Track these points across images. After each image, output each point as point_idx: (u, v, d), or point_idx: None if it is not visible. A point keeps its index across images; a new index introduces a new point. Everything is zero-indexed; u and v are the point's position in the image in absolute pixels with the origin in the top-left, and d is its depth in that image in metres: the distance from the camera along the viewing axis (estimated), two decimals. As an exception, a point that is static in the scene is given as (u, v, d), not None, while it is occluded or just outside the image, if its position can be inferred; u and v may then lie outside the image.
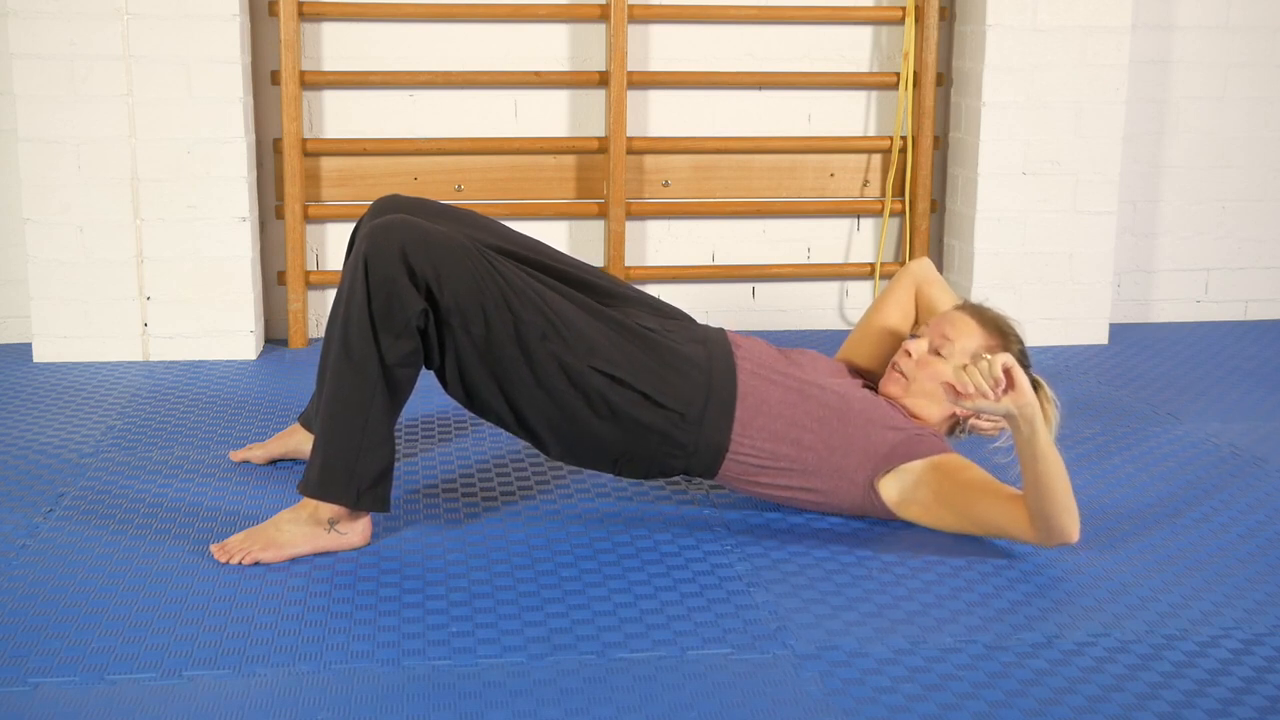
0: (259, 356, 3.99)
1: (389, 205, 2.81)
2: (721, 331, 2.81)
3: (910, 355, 2.81)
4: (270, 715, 2.00)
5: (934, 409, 2.80)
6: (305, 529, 2.54)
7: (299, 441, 3.01)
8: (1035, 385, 2.77)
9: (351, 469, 2.52)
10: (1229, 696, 2.09)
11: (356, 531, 2.58)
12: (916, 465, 2.64)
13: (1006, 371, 2.39)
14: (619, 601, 2.39)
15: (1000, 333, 2.81)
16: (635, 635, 2.26)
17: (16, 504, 2.80)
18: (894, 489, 2.65)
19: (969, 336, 2.79)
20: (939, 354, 2.79)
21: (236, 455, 3.07)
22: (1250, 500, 2.93)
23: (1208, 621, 2.34)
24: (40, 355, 3.88)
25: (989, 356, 2.42)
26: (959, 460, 2.65)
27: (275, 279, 4.17)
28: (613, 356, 2.60)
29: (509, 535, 2.68)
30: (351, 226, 4.11)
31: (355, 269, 2.49)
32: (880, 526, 2.73)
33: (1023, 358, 2.81)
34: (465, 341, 2.54)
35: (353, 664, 2.16)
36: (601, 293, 2.77)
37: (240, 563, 2.50)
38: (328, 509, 2.55)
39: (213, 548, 2.55)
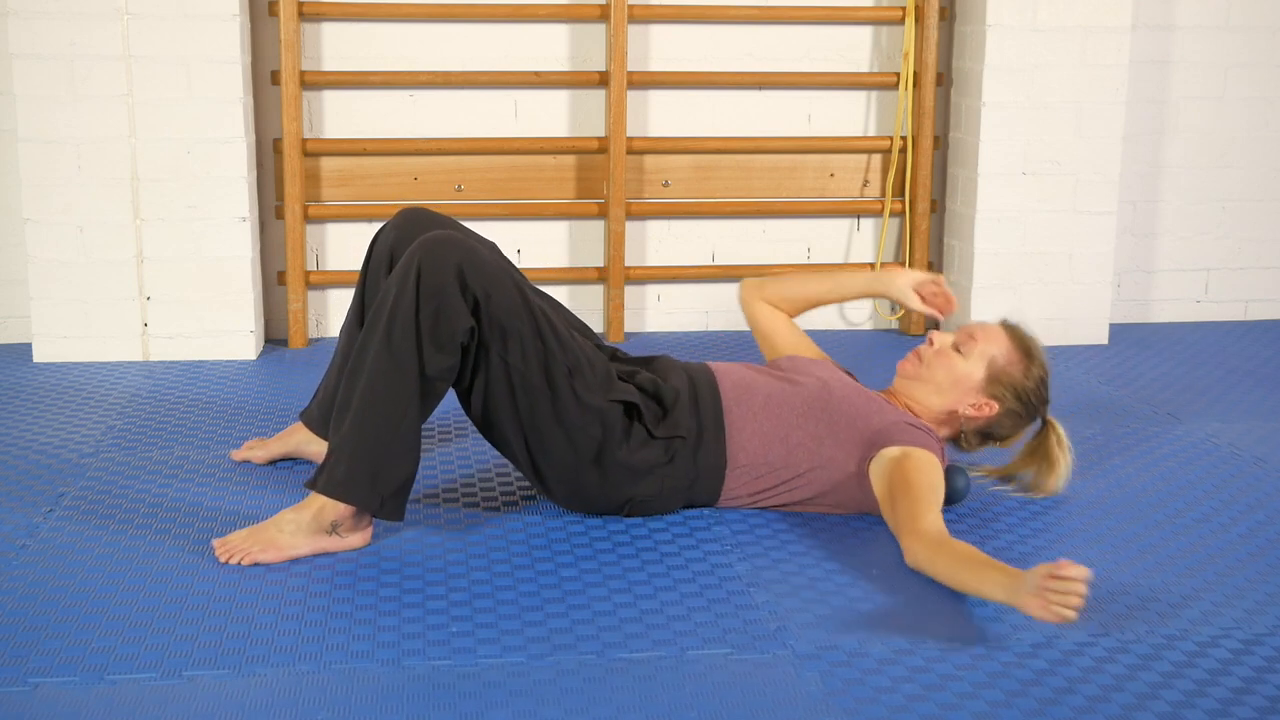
0: (259, 356, 3.99)
1: (420, 219, 2.81)
2: (702, 364, 2.87)
3: (933, 344, 2.86)
4: (270, 715, 2.00)
5: (936, 399, 2.82)
6: (306, 531, 2.53)
7: (300, 441, 3.01)
8: (1049, 425, 2.87)
9: (377, 473, 2.51)
10: (1229, 696, 2.09)
11: (358, 536, 2.58)
12: (892, 452, 2.65)
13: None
14: (619, 601, 2.39)
15: (1027, 354, 2.83)
16: (635, 635, 2.26)
17: (16, 504, 2.80)
18: (873, 475, 2.67)
19: (994, 344, 2.83)
20: (959, 351, 2.82)
21: (237, 455, 3.07)
22: (1250, 500, 2.93)
23: (1208, 621, 2.34)
24: (40, 355, 3.88)
25: (1078, 577, 2.15)
26: (928, 461, 2.63)
27: (275, 279, 4.17)
28: (626, 390, 2.68)
29: (509, 535, 2.68)
30: (351, 227, 4.14)
31: (406, 277, 2.49)
32: (880, 526, 2.72)
33: (1043, 386, 2.84)
34: (499, 366, 2.57)
35: (353, 664, 2.16)
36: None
37: (240, 563, 2.50)
38: (333, 511, 2.54)
39: (214, 542, 2.55)
